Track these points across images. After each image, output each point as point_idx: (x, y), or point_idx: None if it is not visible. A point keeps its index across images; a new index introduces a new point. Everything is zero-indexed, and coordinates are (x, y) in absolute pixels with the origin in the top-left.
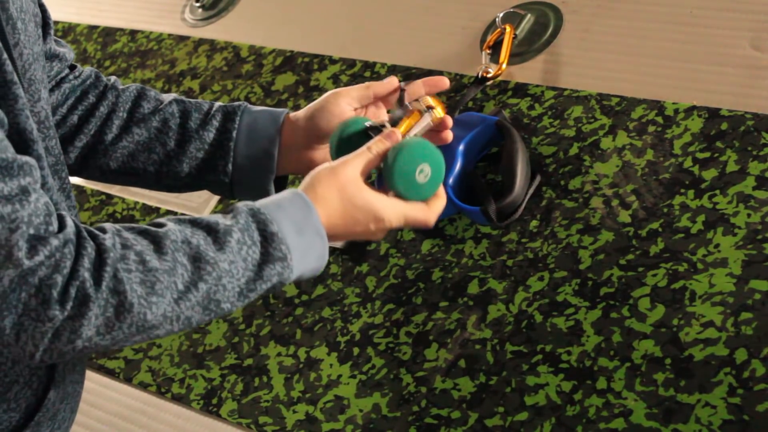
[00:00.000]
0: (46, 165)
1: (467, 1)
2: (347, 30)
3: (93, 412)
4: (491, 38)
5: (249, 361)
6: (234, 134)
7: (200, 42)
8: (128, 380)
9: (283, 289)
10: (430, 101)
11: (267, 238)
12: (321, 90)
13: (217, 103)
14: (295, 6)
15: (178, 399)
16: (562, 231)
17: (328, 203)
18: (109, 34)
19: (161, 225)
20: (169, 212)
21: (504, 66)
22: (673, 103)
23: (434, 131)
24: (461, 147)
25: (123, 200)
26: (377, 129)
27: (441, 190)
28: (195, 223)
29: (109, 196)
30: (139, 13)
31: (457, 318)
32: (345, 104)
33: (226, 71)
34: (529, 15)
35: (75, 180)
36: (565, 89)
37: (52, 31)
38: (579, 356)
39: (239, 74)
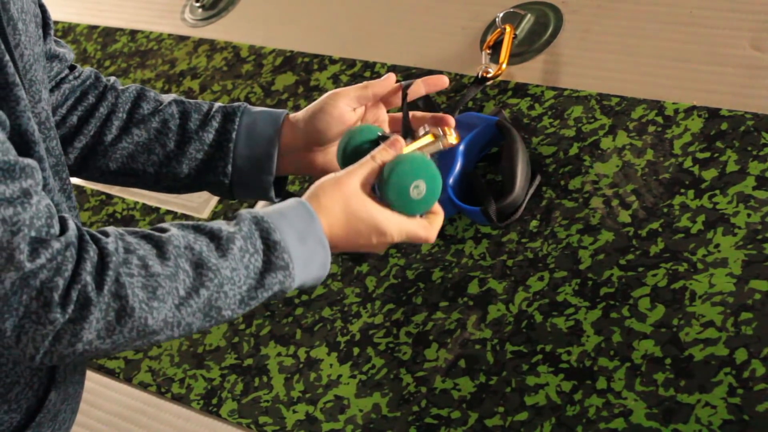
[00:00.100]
0: (47, 166)
1: (467, 1)
2: (347, 30)
3: (93, 412)
4: (491, 38)
5: (249, 361)
6: (233, 135)
7: (200, 42)
8: (128, 380)
9: None
10: (448, 130)
11: (269, 247)
12: (321, 90)
13: (217, 104)
14: (295, 6)
15: (178, 399)
16: (562, 231)
17: (332, 214)
18: (109, 34)
19: (164, 230)
20: (169, 212)
21: (504, 66)
22: (673, 103)
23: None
24: (461, 147)
25: (123, 200)
26: (388, 138)
27: (439, 207)
28: (198, 229)
29: (109, 196)
30: (139, 13)
31: (457, 318)
32: (343, 105)
33: (226, 71)
34: (529, 15)
35: (75, 180)
36: (565, 89)
37: (52, 32)
38: (579, 356)
39: (239, 74)
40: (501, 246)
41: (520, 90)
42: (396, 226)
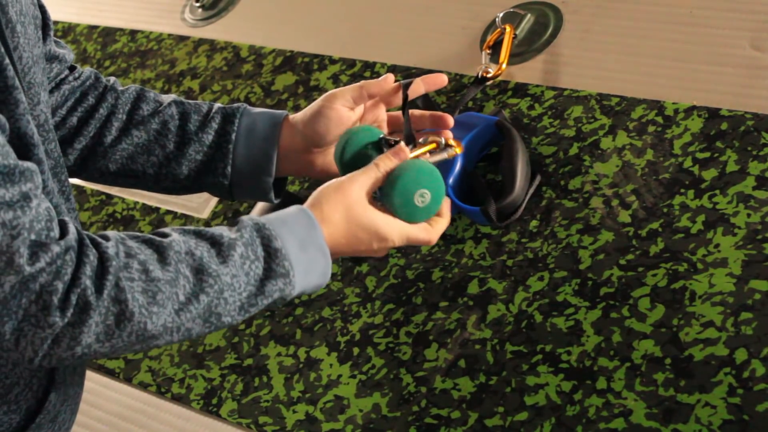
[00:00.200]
0: (46, 168)
1: (467, 1)
2: (347, 30)
3: (93, 412)
4: (491, 38)
5: (249, 361)
6: (233, 136)
7: (200, 42)
8: (128, 380)
9: None
10: (451, 141)
11: (270, 254)
12: (321, 90)
13: (217, 105)
14: (295, 6)
15: (178, 399)
16: (562, 231)
17: (333, 222)
18: (109, 34)
19: (165, 235)
20: (168, 212)
21: (504, 66)
22: (673, 103)
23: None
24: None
25: (123, 200)
26: (390, 143)
27: (446, 211)
28: (199, 234)
29: (109, 196)
30: (139, 13)
31: (457, 318)
32: (341, 106)
33: (226, 71)
34: (529, 15)
35: (75, 180)
36: (565, 89)
37: (51, 33)
38: (579, 356)
39: (239, 74)
40: (501, 246)
41: (520, 90)
42: (397, 231)
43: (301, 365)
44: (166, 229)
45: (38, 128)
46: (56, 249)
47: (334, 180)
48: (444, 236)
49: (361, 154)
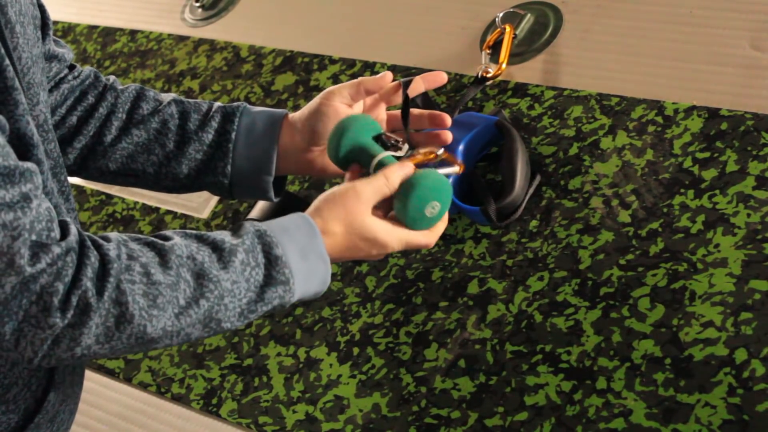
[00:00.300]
0: (46, 168)
1: (467, 1)
2: (347, 30)
3: (93, 412)
4: (491, 38)
5: (249, 361)
6: (233, 136)
7: (200, 42)
8: (128, 380)
9: None
10: (457, 162)
11: (271, 261)
12: (321, 90)
13: (217, 104)
14: (295, 6)
15: (178, 399)
16: (562, 231)
17: (334, 234)
18: (108, 34)
19: (167, 238)
20: (168, 212)
21: (504, 66)
22: (673, 103)
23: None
24: (461, 147)
25: (123, 200)
26: (390, 142)
27: (444, 215)
28: (201, 238)
29: (109, 196)
30: (139, 13)
31: (456, 318)
32: (338, 103)
33: (226, 71)
34: (529, 15)
35: (75, 180)
36: (565, 89)
37: (51, 32)
38: (579, 356)
39: (239, 74)
40: (501, 246)
41: (520, 90)
42: (396, 239)
43: (301, 365)
44: (168, 232)
45: (38, 128)
46: (57, 250)
47: (338, 189)
48: (444, 236)
49: (358, 149)
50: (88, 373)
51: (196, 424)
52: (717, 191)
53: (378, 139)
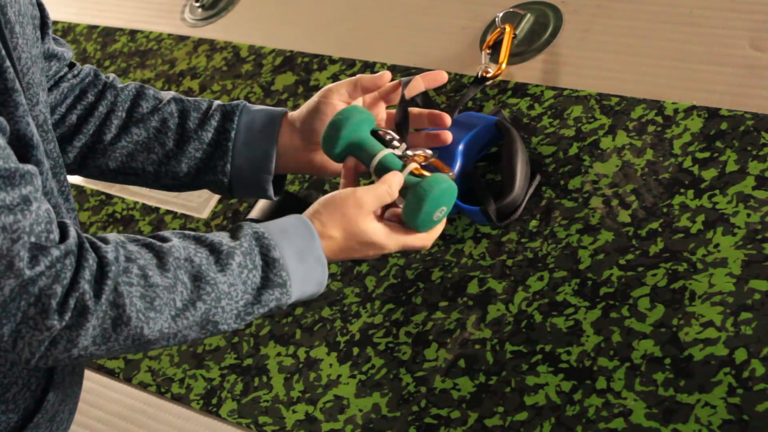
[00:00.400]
0: (45, 169)
1: (467, 1)
2: (347, 30)
3: (93, 412)
4: (491, 38)
5: (249, 361)
6: (232, 134)
7: (200, 42)
8: (128, 380)
9: None
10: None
11: (268, 264)
12: None
13: (216, 102)
14: (295, 6)
15: (177, 399)
16: (562, 231)
17: (332, 237)
18: (108, 34)
19: (165, 239)
20: (168, 212)
21: (503, 66)
22: (673, 103)
23: (433, 133)
24: (461, 147)
25: (123, 200)
26: (385, 137)
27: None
28: (199, 240)
29: (109, 196)
30: (139, 13)
31: (456, 318)
32: (337, 101)
33: (225, 71)
34: (528, 15)
35: (75, 180)
36: (565, 89)
37: (50, 31)
38: (579, 356)
39: (239, 74)
40: (500, 246)
41: (520, 90)
42: (394, 241)
43: (300, 365)
44: (166, 233)
45: (37, 128)
46: (56, 253)
47: (338, 194)
48: (444, 236)
49: (355, 145)
50: (88, 373)
51: (196, 424)
52: (717, 191)
53: (374, 134)
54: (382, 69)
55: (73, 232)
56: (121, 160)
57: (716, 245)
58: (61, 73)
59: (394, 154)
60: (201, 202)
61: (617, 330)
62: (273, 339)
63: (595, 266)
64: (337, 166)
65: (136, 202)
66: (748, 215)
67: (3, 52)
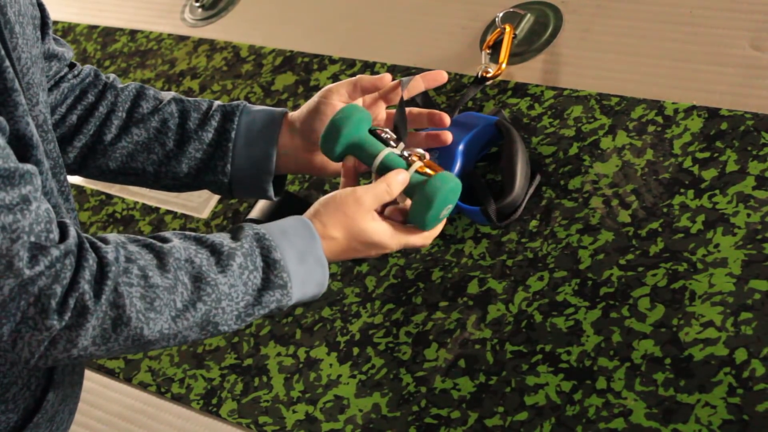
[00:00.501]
0: (45, 169)
1: (467, 1)
2: (347, 30)
3: (93, 412)
4: (491, 38)
5: (249, 361)
6: (233, 135)
7: (200, 42)
8: (128, 380)
9: None
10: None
11: (269, 265)
12: None
13: (217, 102)
14: (295, 6)
15: (178, 399)
16: (562, 231)
17: (333, 238)
18: (108, 34)
19: (166, 240)
20: (168, 212)
21: (504, 66)
22: (673, 103)
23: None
24: (461, 147)
25: (123, 200)
26: (383, 136)
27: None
28: (200, 241)
29: (109, 196)
30: (139, 13)
31: (456, 318)
32: (337, 101)
33: (225, 71)
34: (528, 15)
35: (75, 180)
36: (565, 89)
37: (50, 31)
38: (579, 356)
39: (239, 74)
40: (501, 246)
41: (520, 90)
42: (396, 241)
43: (301, 365)
44: (167, 234)
45: (37, 128)
46: (56, 253)
47: (337, 194)
48: (444, 236)
49: (354, 146)
50: (88, 373)
51: (196, 424)
52: (717, 191)
53: (372, 133)
54: (382, 69)
55: (73, 232)
56: (122, 161)
57: (716, 245)
58: (62, 74)
59: (396, 154)
60: (201, 202)
61: (617, 330)
62: (273, 339)
63: (595, 266)
64: (337, 167)
65: (136, 202)
66: (748, 215)
67: (2, 52)
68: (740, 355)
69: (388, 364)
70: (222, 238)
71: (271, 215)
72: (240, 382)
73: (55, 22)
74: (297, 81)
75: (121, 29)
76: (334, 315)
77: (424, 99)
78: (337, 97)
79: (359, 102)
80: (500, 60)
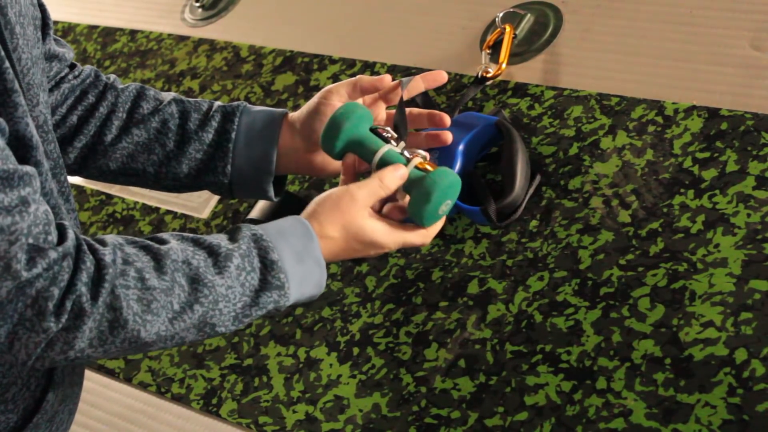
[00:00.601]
0: (45, 170)
1: (467, 1)
2: (347, 30)
3: (93, 412)
4: (491, 38)
5: (249, 361)
6: (233, 135)
7: (200, 42)
8: (128, 380)
9: None
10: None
11: (267, 266)
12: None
13: (217, 103)
14: (295, 6)
15: (178, 399)
16: (562, 231)
17: (330, 237)
18: (109, 34)
19: (164, 241)
20: (168, 212)
21: (504, 66)
22: (673, 103)
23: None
24: (461, 147)
25: (123, 200)
26: (384, 134)
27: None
28: (197, 242)
29: (109, 196)
30: (139, 13)
31: (456, 318)
32: (337, 102)
33: (226, 71)
34: (528, 15)
35: (75, 180)
36: (565, 89)
37: (51, 32)
38: (579, 356)
39: (239, 74)
40: (501, 246)
41: (520, 90)
42: (393, 239)
43: (301, 365)
44: (164, 235)
45: (37, 129)
46: (53, 255)
47: (333, 192)
48: (444, 236)
49: (355, 143)
50: (88, 373)
51: (196, 424)
52: (717, 191)
53: (373, 131)
54: (382, 69)
55: (71, 234)
56: (122, 161)
57: (716, 245)
58: (62, 74)
59: (396, 150)
60: (201, 202)
61: (617, 330)
62: (273, 339)
63: (595, 266)
64: (337, 166)
65: (136, 202)
66: (748, 215)
67: (2, 53)
68: (740, 355)
69: (388, 364)
70: (219, 240)
71: (271, 215)
72: (240, 382)
73: (55, 22)
74: (297, 81)
75: (121, 29)
76: (334, 315)
77: (424, 99)
78: (336, 97)
79: (359, 102)
80: (500, 60)
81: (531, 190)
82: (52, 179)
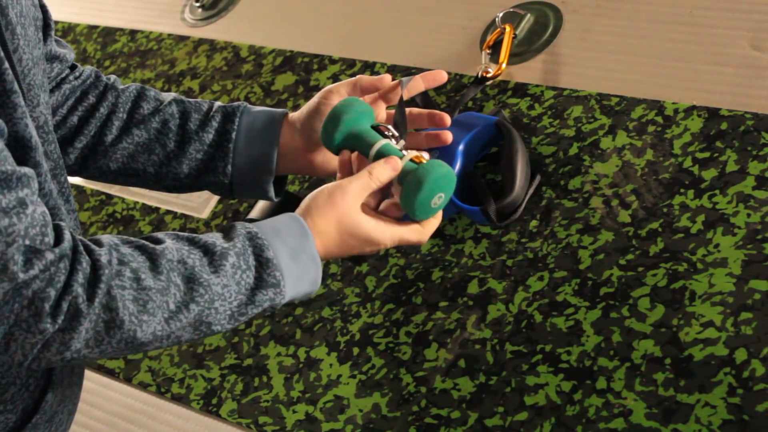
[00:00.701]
0: (44, 171)
1: (467, 1)
2: (347, 30)
3: (93, 412)
4: (491, 38)
5: (249, 361)
6: (233, 135)
7: (200, 42)
8: (128, 380)
9: None
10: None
11: (262, 264)
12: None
13: (217, 103)
14: (295, 6)
15: (178, 399)
16: (562, 231)
17: (325, 233)
18: (108, 34)
19: (159, 241)
20: (168, 212)
21: (504, 66)
22: (673, 103)
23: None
24: (461, 147)
25: (123, 200)
26: (383, 131)
27: (438, 212)
28: (192, 241)
29: (109, 196)
30: (139, 13)
31: (456, 318)
32: (337, 101)
33: (226, 71)
34: (528, 15)
35: (75, 180)
36: (565, 89)
37: (52, 32)
38: (579, 356)
39: (239, 74)
40: (501, 246)
41: (520, 90)
42: (389, 236)
43: (301, 365)
44: (159, 234)
45: (38, 130)
46: (50, 256)
47: (325, 187)
48: (444, 236)
49: (354, 136)
50: (88, 373)
51: (196, 424)
52: (717, 191)
53: (375, 129)
54: (382, 69)
55: (67, 235)
56: (122, 162)
57: (716, 245)
58: (63, 75)
59: (393, 145)
60: (201, 202)
61: (617, 330)
62: (273, 339)
63: (595, 266)
64: (335, 159)
65: (136, 202)
66: (748, 215)
67: (1, 54)
68: (740, 355)
69: (388, 364)
70: (215, 238)
71: (272, 215)
72: (240, 382)
73: (56, 22)
74: (297, 81)
75: (121, 29)
76: (334, 315)
77: (424, 99)
78: (337, 97)
79: None
80: (500, 60)
81: (531, 190)
82: (52, 180)
